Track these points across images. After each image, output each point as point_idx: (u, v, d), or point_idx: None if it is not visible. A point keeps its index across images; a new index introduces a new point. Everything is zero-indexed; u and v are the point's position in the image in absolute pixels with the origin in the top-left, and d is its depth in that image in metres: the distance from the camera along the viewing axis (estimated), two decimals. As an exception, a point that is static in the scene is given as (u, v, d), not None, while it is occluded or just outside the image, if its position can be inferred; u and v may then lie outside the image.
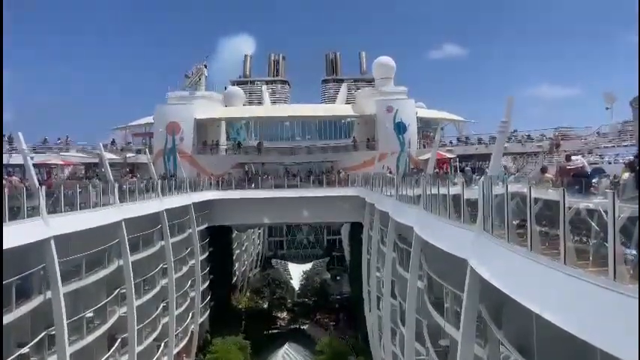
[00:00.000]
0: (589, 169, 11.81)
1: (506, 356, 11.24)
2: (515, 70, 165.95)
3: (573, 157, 12.72)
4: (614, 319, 5.83)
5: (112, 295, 22.61)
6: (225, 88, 52.73)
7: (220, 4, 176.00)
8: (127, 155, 41.71)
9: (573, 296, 6.77)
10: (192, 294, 34.83)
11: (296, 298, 56.06)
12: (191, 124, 41.50)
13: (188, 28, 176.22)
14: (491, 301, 11.28)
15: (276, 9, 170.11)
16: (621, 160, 19.29)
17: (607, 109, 30.87)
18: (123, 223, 23.02)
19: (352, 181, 38.31)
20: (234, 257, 49.63)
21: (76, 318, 18.80)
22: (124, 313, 23.47)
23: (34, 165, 23.08)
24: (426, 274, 18.67)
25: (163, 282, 29.43)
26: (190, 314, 34.72)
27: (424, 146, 42.32)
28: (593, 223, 7.09)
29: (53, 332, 17.14)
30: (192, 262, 34.72)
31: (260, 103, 58.96)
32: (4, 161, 25.20)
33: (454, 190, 14.14)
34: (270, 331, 47.72)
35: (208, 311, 39.28)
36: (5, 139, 27.84)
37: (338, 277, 59.48)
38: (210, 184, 38.32)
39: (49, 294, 16.99)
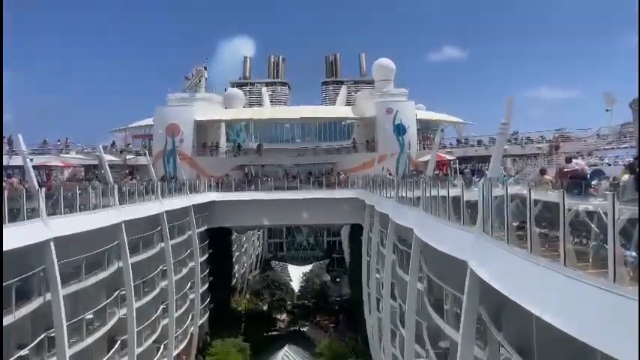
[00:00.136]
0: (588, 171, 11.84)
1: (507, 358, 11.21)
2: (515, 71, 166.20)
3: (573, 161, 12.73)
4: (614, 321, 5.83)
5: (112, 297, 22.55)
6: (225, 90, 52.85)
7: (220, 6, 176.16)
8: (127, 157, 41.74)
9: (573, 298, 6.77)
10: (191, 296, 34.78)
11: (296, 300, 55.96)
12: (191, 125, 41.50)
13: (188, 29, 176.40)
14: (491, 303, 11.28)
15: (275, 10, 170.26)
16: (621, 162, 19.32)
17: (607, 110, 30.93)
18: (123, 225, 22.99)
19: (352, 183, 38.26)
20: (233, 259, 49.55)
21: (75, 320, 18.77)
22: (124, 315, 23.41)
23: (34, 167, 23.13)
24: (426, 275, 18.67)
25: (163, 284, 29.38)
26: (190, 316, 34.66)
27: (424, 148, 42.35)
28: (592, 225, 7.10)
29: (53, 334, 17.11)
30: (192, 264, 34.68)
31: (260, 105, 59.03)
32: (4, 163, 25.19)
33: (454, 191, 14.15)
34: (270, 333, 47.62)
35: (208, 313, 39.20)
36: (5, 140, 27.82)
37: (338, 279, 59.38)
38: (210, 185, 38.33)
39: (48, 296, 16.95)
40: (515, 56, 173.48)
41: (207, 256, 38.33)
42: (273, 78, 67.79)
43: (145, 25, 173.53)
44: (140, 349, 24.82)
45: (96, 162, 35.51)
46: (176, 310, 30.70)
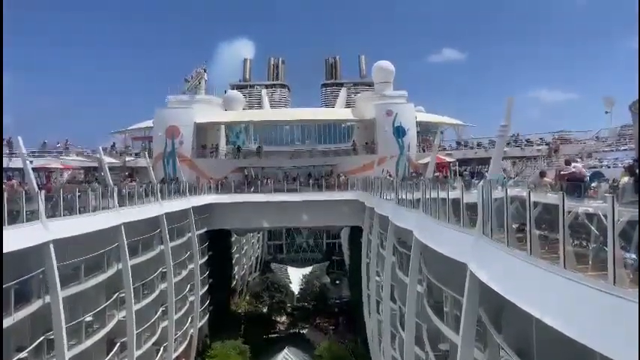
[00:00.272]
0: (587, 174, 11.84)
1: (506, 360, 11.22)
2: (515, 74, 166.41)
3: (572, 164, 12.74)
4: (614, 323, 5.83)
5: (111, 299, 22.52)
6: (225, 92, 52.93)
7: (220, 8, 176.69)
8: (127, 159, 41.66)
9: (573, 300, 6.77)
10: (191, 298, 34.73)
11: (295, 302, 55.90)
12: (191, 127, 41.49)
13: (188, 32, 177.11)
14: (490, 305, 11.27)
15: (275, 13, 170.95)
16: (620, 164, 19.30)
17: (606, 112, 30.90)
18: (122, 227, 22.98)
19: (352, 185, 38.27)
20: (233, 261, 49.54)
21: (75, 322, 18.75)
22: (123, 317, 23.37)
23: (34, 169, 23.11)
24: (426, 278, 18.64)
25: (162, 286, 29.34)
26: (189, 318, 34.61)
27: (423, 150, 42.34)
28: (592, 227, 7.11)
29: (52, 336, 17.10)
30: (192, 266, 34.65)
31: (260, 107, 59.07)
32: (4, 165, 25.17)
33: (454, 194, 14.15)
34: (270, 336, 47.57)
35: (207, 315, 39.15)
36: (5, 142, 27.80)
37: (337, 281, 59.37)
38: (210, 187, 38.33)
39: (48, 298, 16.95)
40: (515, 58, 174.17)
41: (206, 258, 38.33)
42: (273, 80, 67.96)
43: (145, 27, 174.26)
44: (139, 352, 24.78)
45: (95, 164, 35.46)
46: (175, 313, 30.66)
